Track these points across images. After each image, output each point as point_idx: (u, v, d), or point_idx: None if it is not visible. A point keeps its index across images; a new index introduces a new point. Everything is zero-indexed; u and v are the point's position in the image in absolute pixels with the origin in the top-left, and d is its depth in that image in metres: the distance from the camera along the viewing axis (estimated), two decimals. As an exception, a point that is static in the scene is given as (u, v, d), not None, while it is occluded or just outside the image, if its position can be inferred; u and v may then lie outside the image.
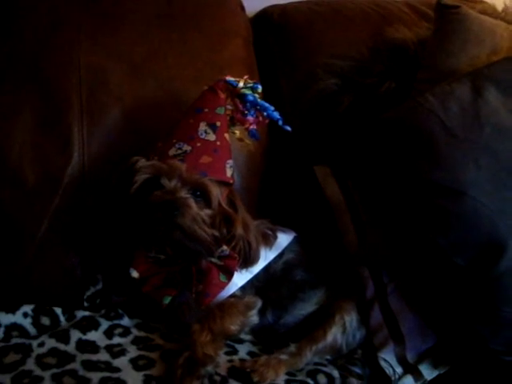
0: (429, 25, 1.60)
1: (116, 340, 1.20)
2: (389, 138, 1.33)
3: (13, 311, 1.24)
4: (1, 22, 1.48)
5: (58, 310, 1.28)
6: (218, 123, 1.24)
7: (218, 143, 1.22)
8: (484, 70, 1.34)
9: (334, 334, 1.27)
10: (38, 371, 1.08)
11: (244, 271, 1.26)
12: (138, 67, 1.49)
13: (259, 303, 1.27)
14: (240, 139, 1.35)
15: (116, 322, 1.26)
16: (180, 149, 1.19)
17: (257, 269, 1.28)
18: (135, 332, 1.24)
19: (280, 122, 1.30)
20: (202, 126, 1.22)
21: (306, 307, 1.33)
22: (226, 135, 1.25)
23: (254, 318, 1.26)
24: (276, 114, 1.30)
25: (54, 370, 1.08)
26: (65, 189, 1.38)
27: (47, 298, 1.33)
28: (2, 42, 1.46)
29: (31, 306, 1.27)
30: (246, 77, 1.31)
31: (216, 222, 1.21)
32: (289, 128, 1.30)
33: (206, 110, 1.25)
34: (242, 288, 1.26)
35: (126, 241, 1.24)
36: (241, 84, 1.29)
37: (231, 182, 1.24)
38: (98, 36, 1.50)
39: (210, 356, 1.13)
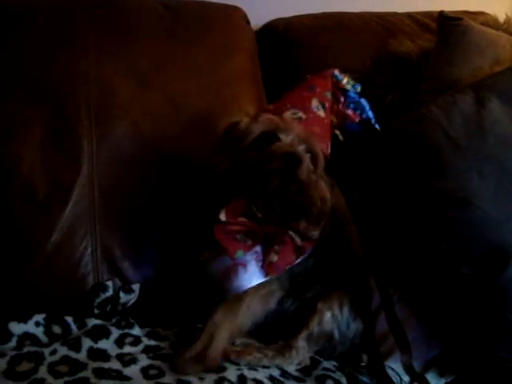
0: (431, 37, 1.63)
1: (127, 349, 1.21)
2: (394, 148, 1.35)
3: (25, 321, 1.25)
4: (10, 37, 1.51)
5: (69, 319, 1.29)
6: (327, 104, 1.31)
7: (326, 121, 1.29)
8: (487, 81, 1.36)
9: (317, 322, 1.27)
10: (50, 379, 1.08)
11: None
12: (144, 80, 1.52)
13: (280, 293, 1.29)
14: None
15: (127, 330, 1.27)
16: (295, 114, 1.25)
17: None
18: (145, 341, 1.25)
19: (373, 121, 1.39)
20: (315, 102, 1.29)
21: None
22: (330, 117, 1.32)
23: (272, 306, 1.27)
24: (371, 114, 1.39)
25: (66, 378, 1.08)
26: (74, 200, 1.40)
27: (58, 306, 1.34)
28: (11, 57, 1.49)
29: (43, 315, 1.27)
30: (347, 75, 1.39)
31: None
32: (378, 127, 1.39)
33: (318, 89, 1.32)
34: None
35: (225, 191, 1.22)
36: (345, 80, 1.37)
37: (329, 159, 1.28)
38: (105, 49, 1.53)
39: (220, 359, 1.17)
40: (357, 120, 1.39)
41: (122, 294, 1.38)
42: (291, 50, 1.74)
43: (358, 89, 1.39)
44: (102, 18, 1.58)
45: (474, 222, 1.20)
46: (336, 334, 1.30)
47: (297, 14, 1.85)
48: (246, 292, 1.23)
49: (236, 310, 1.21)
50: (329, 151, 1.28)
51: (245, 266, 1.22)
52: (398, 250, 1.36)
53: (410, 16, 1.88)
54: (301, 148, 1.18)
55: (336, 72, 1.38)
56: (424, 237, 1.28)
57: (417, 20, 1.86)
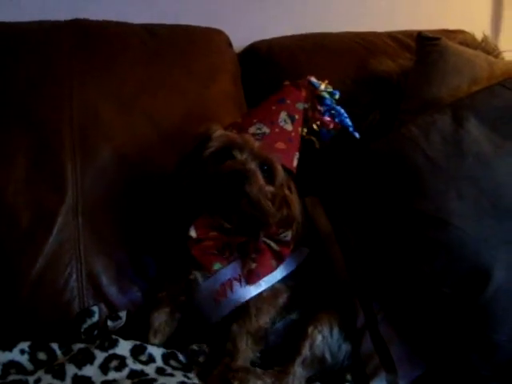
0: (411, 56, 1.64)
1: (111, 375, 1.19)
2: (374, 168, 1.35)
3: (10, 349, 1.24)
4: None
5: (55, 345, 1.28)
6: (297, 116, 1.35)
7: (293, 134, 1.33)
8: (464, 101, 1.37)
9: (309, 347, 1.28)
10: (33, 410, 1.07)
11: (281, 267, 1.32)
12: (127, 105, 1.54)
13: (286, 293, 1.33)
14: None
15: (111, 351, 1.24)
16: (260, 129, 1.29)
17: (291, 268, 1.35)
18: (131, 364, 1.23)
19: (350, 129, 1.42)
20: (283, 115, 1.33)
21: (295, 315, 1.36)
22: (300, 129, 1.36)
23: (280, 304, 1.33)
24: (348, 121, 1.42)
25: (50, 409, 1.07)
26: (59, 227, 1.41)
27: (44, 333, 1.34)
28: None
29: (28, 343, 1.26)
30: (326, 81, 1.44)
31: (276, 202, 1.28)
32: (357, 135, 1.41)
33: (289, 101, 1.36)
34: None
35: (192, 206, 1.29)
36: (322, 87, 1.41)
37: (295, 172, 1.33)
38: (89, 75, 1.54)
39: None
40: (331, 126, 1.43)
41: (109, 322, 1.38)
42: (273, 72, 1.74)
43: (337, 96, 1.43)
44: (86, 44, 1.59)
45: (454, 242, 1.21)
46: (328, 357, 1.31)
47: (279, 35, 1.87)
48: (249, 300, 1.28)
49: (248, 317, 1.27)
50: (295, 164, 1.33)
51: (239, 281, 1.28)
52: (381, 270, 1.36)
53: (390, 35, 1.89)
54: (253, 165, 1.24)
55: (312, 79, 1.42)
56: (405, 257, 1.28)
57: (397, 39, 1.87)
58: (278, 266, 1.30)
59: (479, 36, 1.74)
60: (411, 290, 1.29)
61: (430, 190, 1.26)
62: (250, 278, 1.27)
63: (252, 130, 1.29)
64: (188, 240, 1.27)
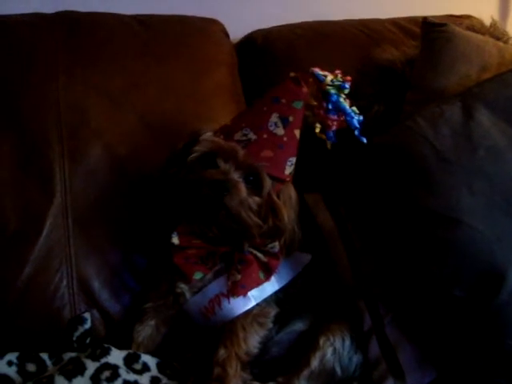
0: (416, 43, 1.57)
1: (103, 387, 1.15)
2: (380, 164, 1.30)
3: (-4, 360, 1.19)
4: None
5: (45, 355, 1.24)
6: (291, 118, 1.21)
7: (285, 139, 1.20)
8: (474, 90, 1.31)
9: (320, 359, 1.23)
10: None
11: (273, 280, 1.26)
12: (117, 101, 1.48)
13: (274, 311, 1.27)
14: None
15: (103, 360, 1.19)
16: (245, 135, 1.19)
17: (285, 281, 1.28)
18: (124, 374, 1.18)
19: (357, 132, 1.24)
20: (274, 118, 1.20)
21: (300, 325, 1.30)
22: (297, 131, 1.22)
23: (270, 325, 1.26)
24: (355, 122, 1.24)
25: (37, 425, 1.03)
26: (47, 230, 1.36)
27: (34, 342, 1.29)
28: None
29: (16, 354, 1.22)
30: (338, 72, 1.25)
31: (262, 213, 1.20)
32: (364, 140, 1.24)
33: (283, 100, 1.21)
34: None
35: (175, 211, 1.25)
36: (328, 79, 1.23)
37: (287, 179, 1.23)
38: (76, 70, 1.49)
39: None
40: (334, 128, 1.26)
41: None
42: (271, 63, 1.68)
43: (346, 90, 1.24)
44: (73, 38, 1.54)
45: (465, 241, 1.15)
46: (338, 371, 1.25)
47: (277, 24, 1.80)
48: (237, 318, 1.23)
49: (236, 339, 1.21)
50: (287, 172, 1.22)
51: (227, 297, 1.22)
52: (388, 270, 1.31)
53: (394, 22, 1.83)
54: (236, 175, 1.17)
55: (317, 71, 1.24)
56: (413, 257, 1.23)
57: (401, 26, 1.81)
58: (267, 278, 1.23)
59: (487, 21, 1.66)
60: (420, 292, 1.24)
61: (439, 186, 1.20)
62: (235, 290, 1.21)
63: (238, 136, 1.19)
64: (172, 247, 1.22)
